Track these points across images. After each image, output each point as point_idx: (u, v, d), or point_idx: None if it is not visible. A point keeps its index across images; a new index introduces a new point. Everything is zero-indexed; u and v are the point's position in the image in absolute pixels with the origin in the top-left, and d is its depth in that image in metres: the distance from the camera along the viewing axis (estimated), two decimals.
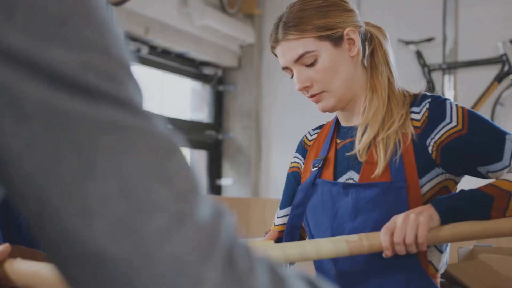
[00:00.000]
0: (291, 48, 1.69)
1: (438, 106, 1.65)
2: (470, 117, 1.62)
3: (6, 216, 1.60)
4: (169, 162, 0.56)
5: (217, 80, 6.59)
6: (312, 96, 1.73)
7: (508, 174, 1.57)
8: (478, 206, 1.52)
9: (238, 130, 6.63)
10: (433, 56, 5.80)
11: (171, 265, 0.53)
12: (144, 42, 5.44)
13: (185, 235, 0.54)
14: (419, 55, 5.79)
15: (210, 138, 6.57)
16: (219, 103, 6.71)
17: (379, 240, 1.50)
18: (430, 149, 1.64)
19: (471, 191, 1.55)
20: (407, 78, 6.09)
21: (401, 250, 1.51)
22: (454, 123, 1.62)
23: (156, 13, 5.37)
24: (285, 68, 1.74)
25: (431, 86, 5.74)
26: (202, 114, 6.73)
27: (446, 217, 1.52)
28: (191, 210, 0.55)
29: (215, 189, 6.58)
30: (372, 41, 1.78)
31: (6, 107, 0.52)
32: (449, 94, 5.68)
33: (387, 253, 1.51)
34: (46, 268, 1.34)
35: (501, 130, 1.62)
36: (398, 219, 1.51)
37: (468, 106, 5.42)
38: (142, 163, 0.54)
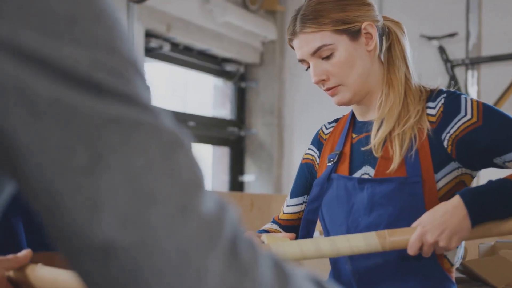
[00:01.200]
0: (309, 40, 1.70)
1: (453, 101, 1.65)
2: (485, 110, 1.62)
3: (30, 220, 1.62)
4: (175, 157, 0.58)
5: (239, 77, 6.60)
6: (328, 89, 1.73)
7: None
8: (506, 205, 1.53)
9: (260, 126, 6.63)
10: (456, 51, 5.76)
11: (177, 255, 0.55)
12: (166, 39, 5.46)
13: (189, 227, 0.56)
14: (442, 50, 5.75)
15: (232, 134, 6.59)
16: (241, 100, 6.72)
17: (403, 238, 1.51)
18: (445, 143, 1.64)
19: (499, 181, 1.54)
20: (430, 73, 6.08)
21: (427, 253, 1.54)
22: (469, 116, 1.62)
23: (178, 10, 5.39)
24: (301, 61, 1.75)
25: (454, 81, 5.71)
26: (224, 110, 6.74)
27: (478, 222, 1.52)
28: (195, 203, 0.57)
29: (238, 186, 6.59)
30: (389, 35, 1.78)
31: (19, 103, 0.54)
32: (472, 90, 5.64)
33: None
34: (66, 274, 1.36)
35: None
36: (427, 239, 1.51)
37: (491, 101, 5.40)
38: (149, 157, 0.56)
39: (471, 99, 1.64)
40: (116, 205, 0.54)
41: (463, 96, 1.66)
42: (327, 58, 1.70)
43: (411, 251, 1.52)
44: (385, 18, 1.80)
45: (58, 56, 0.54)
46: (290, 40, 1.75)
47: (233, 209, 0.62)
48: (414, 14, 5.83)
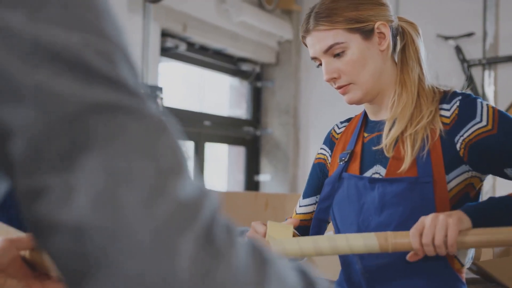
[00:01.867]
0: (321, 38, 1.71)
1: (468, 104, 1.64)
2: (500, 117, 1.62)
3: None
4: (158, 141, 0.59)
5: (255, 76, 6.61)
6: (339, 87, 1.74)
7: None
8: (508, 211, 1.52)
9: (276, 126, 6.63)
10: (473, 51, 5.73)
11: (148, 236, 0.55)
12: (182, 39, 5.47)
13: (162, 209, 0.56)
14: (458, 50, 5.73)
15: (248, 134, 6.59)
16: (257, 99, 6.73)
17: (408, 239, 1.50)
18: (458, 146, 1.64)
19: (500, 197, 1.55)
20: (446, 73, 6.05)
21: (430, 251, 1.51)
22: (484, 123, 1.62)
23: (194, 10, 5.40)
24: (314, 58, 1.76)
25: (470, 82, 5.68)
26: (240, 110, 6.75)
27: (477, 221, 1.51)
28: (172, 187, 0.57)
29: (253, 185, 6.60)
30: (404, 36, 1.78)
31: (2, 88, 0.54)
32: (489, 90, 5.61)
33: (417, 255, 1.52)
34: None
35: None
36: (426, 220, 1.51)
37: (508, 102, 5.36)
38: (130, 140, 0.57)
39: (487, 105, 1.64)
40: (89, 186, 0.54)
41: (478, 101, 1.65)
42: (339, 56, 1.71)
43: (417, 251, 1.52)
44: (400, 18, 1.80)
45: (47, 37, 0.55)
46: (303, 37, 1.76)
47: (214, 197, 0.62)
48: (431, 14, 5.81)
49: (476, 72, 5.72)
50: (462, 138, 1.64)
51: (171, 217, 0.56)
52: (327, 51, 1.70)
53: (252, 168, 6.66)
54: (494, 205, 1.54)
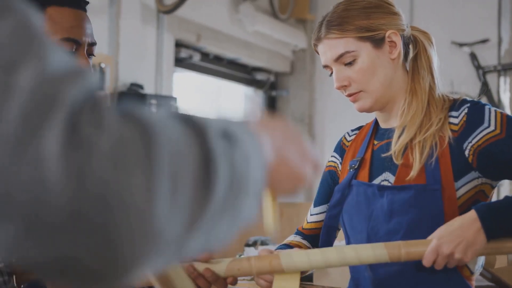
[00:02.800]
0: (332, 46, 1.71)
1: (476, 111, 1.64)
2: (509, 122, 1.61)
3: None
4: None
5: (270, 86, 6.62)
6: (349, 95, 1.74)
7: None
8: None
9: None
10: (488, 57, 5.71)
11: (6, 140, 0.51)
12: (196, 49, 5.49)
13: (11, 106, 0.52)
14: (473, 57, 5.71)
15: None
16: (272, 108, 6.73)
17: (419, 249, 1.51)
18: (467, 152, 1.63)
19: None
20: (461, 80, 6.01)
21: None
22: (492, 128, 1.61)
23: (207, 20, 5.43)
24: (325, 66, 1.76)
25: (486, 88, 5.65)
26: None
27: (493, 236, 1.52)
28: (18, 79, 0.53)
29: None
30: (416, 45, 1.78)
31: None
32: (504, 97, 5.59)
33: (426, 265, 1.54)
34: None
35: None
36: (442, 251, 1.51)
37: None
38: None
39: (495, 110, 1.64)
40: None
41: (487, 107, 1.65)
42: (350, 64, 1.71)
43: (426, 262, 1.52)
44: (413, 28, 1.80)
45: None
46: (315, 45, 1.77)
47: (90, 77, 0.57)
48: (445, 21, 5.79)
49: (491, 78, 5.69)
50: (470, 144, 1.63)
51: (21, 112, 0.51)
52: (338, 59, 1.71)
53: None
54: (509, 206, 1.53)
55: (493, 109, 1.64)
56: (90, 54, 1.68)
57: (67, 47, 1.66)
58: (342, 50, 1.71)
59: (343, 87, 1.74)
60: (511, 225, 1.52)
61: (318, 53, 1.78)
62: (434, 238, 1.52)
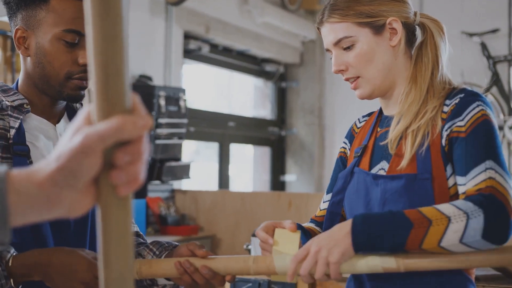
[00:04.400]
0: (332, 30, 1.73)
1: (464, 103, 1.63)
2: (479, 125, 1.59)
3: (57, 219, 1.65)
4: None
5: (279, 77, 6.62)
6: (347, 80, 1.75)
7: (448, 204, 1.53)
8: (393, 234, 1.50)
9: (301, 126, 6.64)
10: (498, 47, 5.69)
11: None
12: (205, 41, 5.50)
13: None
14: (483, 47, 5.68)
15: (273, 134, 6.60)
16: (281, 100, 6.74)
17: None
18: (443, 141, 1.63)
19: (397, 214, 1.53)
20: (471, 70, 6.00)
21: (307, 280, 1.56)
22: (462, 123, 1.61)
23: (216, 12, 5.43)
24: (327, 50, 1.77)
25: (496, 78, 5.63)
26: (264, 111, 6.77)
27: (361, 248, 1.52)
28: None
29: (279, 185, 6.61)
30: (425, 32, 1.77)
31: None
32: None
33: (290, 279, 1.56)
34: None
35: (492, 153, 1.58)
36: (311, 248, 1.53)
37: None
38: None
39: (479, 110, 1.61)
40: None
41: (476, 103, 1.63)
42: (348, 49, 1.72)
43: (295, 258, 1.55)
44: (423, 15, 1.79)
45: None
46: (318, 29, 1.78)
47: None
48: (455, 11, 5.77)
49: (501, 68, 5.67)
50: (446, 133, 1.63)
51: None
52: (337, 43, 1.72)
53: (277, 168, 6.67)
54: (386, 224, 1.53)
55: (479, 107, 1.62)
56: None
57: (69, 39, 1.67)
58: (341, 35, 1.72)
59: (340, 71, 1.75)
60: (377, 232, 1.51)
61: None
62: (302, 250, 1.56)
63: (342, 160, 1.91)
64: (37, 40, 1.69)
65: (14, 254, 1.56)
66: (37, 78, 1.71)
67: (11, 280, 1.54)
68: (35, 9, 1.69)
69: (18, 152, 1.63)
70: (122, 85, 0.75)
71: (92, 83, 0.75)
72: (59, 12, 1.67)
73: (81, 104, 1.84)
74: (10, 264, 1.55)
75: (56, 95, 1.71)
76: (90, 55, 0.75)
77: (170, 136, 4.69)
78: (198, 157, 6.18)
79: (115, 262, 0.78)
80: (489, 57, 5.66)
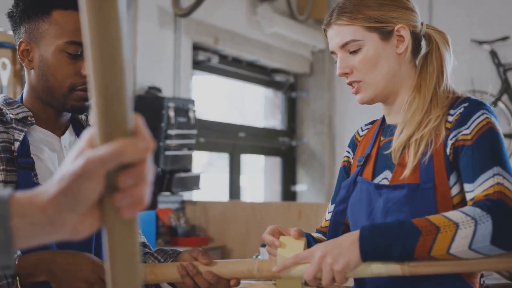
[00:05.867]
0: (339, 33, 1.72)
1: (469, 112, 1.63)
2: (484, 133, 1.59)
3: None
4: None
5: (289, 87, 6.62)
6: (350, 83, 1.75)
7: (456, 211, 1.52)
8: (402, 243, 1.50)
9: (312, 136, 6.63)
10: (509, 55, 5.66)
11: None
12: (214, 52, 5.51)
13: None
14: (493, 54, 5.66)
15: (284, 144, 6.60)
16: (291, 110, 6.73)
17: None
18: (448, 150, 1.62)
19: (404, 223, 1.52)
20: (482, 78, 5.98)
21: (314, 283, 1.56)
22: (468, 132, 1.60)
23: (225, 23, 5.44)
24: (332, 52, 1.77)
25: (507, 86, 5.61)
26: (275, 121, 6.77)
27: (370, 257, 1.51)
28: None
29: (290, 196, 6.60)
30: (430, 43, 1.77)
31: None
32: None
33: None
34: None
35: (499, 159, 1.57)
36: (315, 254, 1.52)
37: None
38: None
39: (484, 118, 1.61)
40: None
41: (480, 111, 1.62)
42: (354, 52, 1.72)
43: (296, 258, 1.55)
44: (429, 26, 1.79)
45: None
46: (325, 30, 1.78)
47: None
48: (465, 19, 5.76)
49: None
50: (451, 142, 1.63)
51: None
52: (344, 46, 1.72)
53: (288, 178, 6.66)
54: (394, 233, 1.52)
55: (484, 115, 1.62)
56: None
57: (72, 50, 1.68)
58: (348, 38, 1.72)
59: (344, 74, 1.75)
60: (385, 240, 1.51)
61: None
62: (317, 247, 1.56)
63: (345, 169, 1.91)
64: (40, 53, 1.70)
65: (20, 255, 1.58)
66: (41, 90, 1.72)
67: (17, 280, 1.55)
68: (38, 21, 1.70)
69: (23, 164, 1.64)
70: (123, 108, 0.74)
71: (93, 106, 0.74)
72: (61, 24, 1.69)
73: (86, 116, 1.85)
74: (16, 264, 1.56)
75: (60, 107, 1.72)
76: (90, 78, 0.74)
77: (179, 147, 4.70)
78: (211, 168, 6.18)
79: (123, 282, 0.78)
80: (499, 64, 5.64)
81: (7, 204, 0.75)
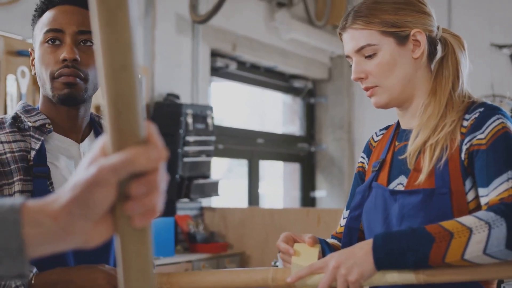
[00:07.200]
0: (355, 37, 1.71)
1: (484, 117, 1.61)
2: (499, 137, 1.57)
3: None
4: None
5: (308, 93, 6.61)
6: (366, 89, 1.73)
7: (469, 216, 1.50)
8: (415, 250, 1.48)
9: (331, 141, 6.61)
10: None
11: None
12: (232, 58, 5.52)
13: None
14: None
15: (303, 150, 6.58)
16: (310, 116, 6.72)
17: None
18: (462, 156, 1.61)
19: (417, 230, 1.50)
20: (501, 82, 5.92)
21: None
22: (482, 136, 1.59)
23: (243, 29, 5.45)
24: (347, 56, 1.75)
25: None
26: (293, 127, 6.76)
27: (384, 266, 1.49)
28: None
29: (309, 201, 6.58)
30: (446, 47, 1.76)
31: None
32: None
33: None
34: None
35: None
36: (329, 264, 1.51)
37: None
38: None
39: (500, 122, 1.59)
40: None
41: (495, 116, 1.61)
42: (370, 57, 1.70)
43: (311, 268, 1.54)
44: (445, 30, 1.78)
45: None
46: (340, 34, 1.76)
47: None
48: (484, 23, 5.72)
49: None
50: (465, 147, 1.61)
51: None
52: (359, 51, 1.70)
53: (307, 184, 6.64)
54: (407, 240, 1.50)
55: (499, 120, 1.60)
56: (82, 41, 1.69)
57: (50, 36, 1.68)
58: (364, 42, 1.70)
59: (359, 79, 1.74)
60: (399, 248, 1.49)
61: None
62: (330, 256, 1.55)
63: (360, 175, 1.90)
64: (35, 55, 1.73)
65: (36, 273, 1.57)
66: (41, 91, 1.74)
67: None
68: (34, 28, 1.74)
69: (38, 173, 1.64)
70: (135, 116, 0.73)
71: (105, 116, 0.74)
72: (44, 20, 1.71)
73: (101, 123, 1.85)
74: (32, 282, 1.56)
75: (57, 102, 1.70)
76: (102, 87, 0.74)
77: (198, 153, 4.70)
78: (230, 175, 6.18)
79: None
80: None
81: (19, 212, 0.75)
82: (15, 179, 1.62)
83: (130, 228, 0.75)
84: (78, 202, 0.74)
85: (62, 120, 1.74)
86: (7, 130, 1.67)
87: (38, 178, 1.64)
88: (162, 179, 0.75)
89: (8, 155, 1.63)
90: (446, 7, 5.88)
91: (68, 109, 1.73)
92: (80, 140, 1.77)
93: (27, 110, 1.73)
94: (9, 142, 1.65)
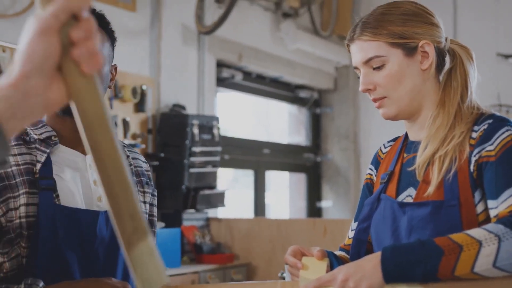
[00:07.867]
0: (363, 48, 1.70)
1: (493, 128, 1.60)
2: (508, 149, 1.56)
3: (82, 242, 1.66)
4: None
5: (313, 103, 6.61)
6: (374, 100, 1.72)
7: (478, 228, 1.49)
8: (424, 263, 1.46)
9: (336, 151, 6.60)
10: None
11: None
12: (238, 69, 5.52)
13: None
14: None
15: (309, 160, 6.58)
16: (316, 126, 6.72)
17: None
18: (471, 167, 1.60)
19: (426, 242, 1.49)
20: (508, 92, 5.90)
21: None
22: (491, 148, 1.57)
23: (248, 39, 5.45)
24: (355, 68, 1.74)
25: None
26: (299, 137, 6.75)
27: (393, 279, 1.48)
28: None
29: (315, 212, 6.57)
30: (454, 59, 1.75)
31: None
32: None
33: None
34: None
35: None
36: (337, 278, 1.49)
37: None
38: None
39: (510, 133, 1.59)
40: None
41: (505, 127, 1.60)
42: (378, 69, 1.69)
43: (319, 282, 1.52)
44: (453, 41, 1.77)
45: None
46: (348, 45, 1.76)
47: None
48: (490, 32, 5.71)
49: None
50: (474, 159, 1.60)
51: None
52: (367, 62, 1.69)
53: (313, 194, 6.63)
54: (416, 253, 1.48)
55: (509, 132, 1.59)
56: None
57: None
58: (372, 54, 1.69)
59: (367, 91, 1.73)
60: (408, 261, 1.47)
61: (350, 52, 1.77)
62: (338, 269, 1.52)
63: (368, 186, 1.89)
64: None
65: (43, 286, 1.57)
66: None
67: None
68: None
69: (44, 186, 1.64)
70: None
71: None
72: None
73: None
74: None
75: (62, 113, 1.70)
76: None
77: (204, 164, 4.69)
78: (236, 185, 6.18)
79: (101, 143, 0.85)
80: None
81: None
82: (20, 192, 1.62)
83: (80, 78, 0.82)
84: (29, 59, 0.80)
85: (68, 132, 1.74)
86: (13, 143, 1.67)
87: (44, 191, 1.64)
88: (95, 26, 0.83)
89: (14, 168, 1.63)
90: (452, 17, 5.88)
91: (73, 120, 1.72)
92: (86, 152, 1.77)
93: (33, 123, 1.73)
94: (15, 155, 1.65)
